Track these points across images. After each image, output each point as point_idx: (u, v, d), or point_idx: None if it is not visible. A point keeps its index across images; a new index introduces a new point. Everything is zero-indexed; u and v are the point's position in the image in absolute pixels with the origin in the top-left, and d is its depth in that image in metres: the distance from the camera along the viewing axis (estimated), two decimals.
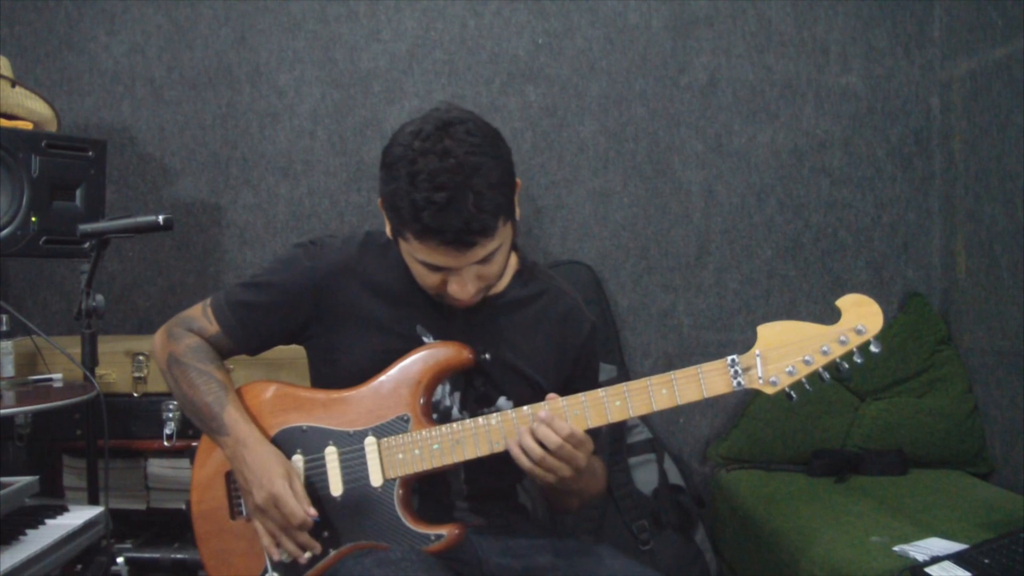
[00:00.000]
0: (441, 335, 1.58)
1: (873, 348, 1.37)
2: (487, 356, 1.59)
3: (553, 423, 1.42)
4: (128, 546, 2.32)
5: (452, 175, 1.37)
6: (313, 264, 1.60)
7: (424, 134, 1.40)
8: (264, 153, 2.96)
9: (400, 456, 1.49)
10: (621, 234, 2.96)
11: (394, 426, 1.51)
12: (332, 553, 1.51)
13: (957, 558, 1.80)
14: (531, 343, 1.63)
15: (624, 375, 2.88)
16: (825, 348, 1.37)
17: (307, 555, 1.49)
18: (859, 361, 1.38)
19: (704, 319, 2.97)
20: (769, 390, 1.39)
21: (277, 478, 1.47)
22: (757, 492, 2.54)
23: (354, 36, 2.95)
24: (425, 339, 1.58)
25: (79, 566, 1.72)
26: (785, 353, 1.38)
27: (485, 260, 1.45)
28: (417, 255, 1.45)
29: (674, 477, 2.76)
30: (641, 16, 2.94)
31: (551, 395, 1.48)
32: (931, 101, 2.93)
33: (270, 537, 1.50)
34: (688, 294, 2.97)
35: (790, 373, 1.38)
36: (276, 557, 1.50)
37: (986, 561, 1.77)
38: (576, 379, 1.67)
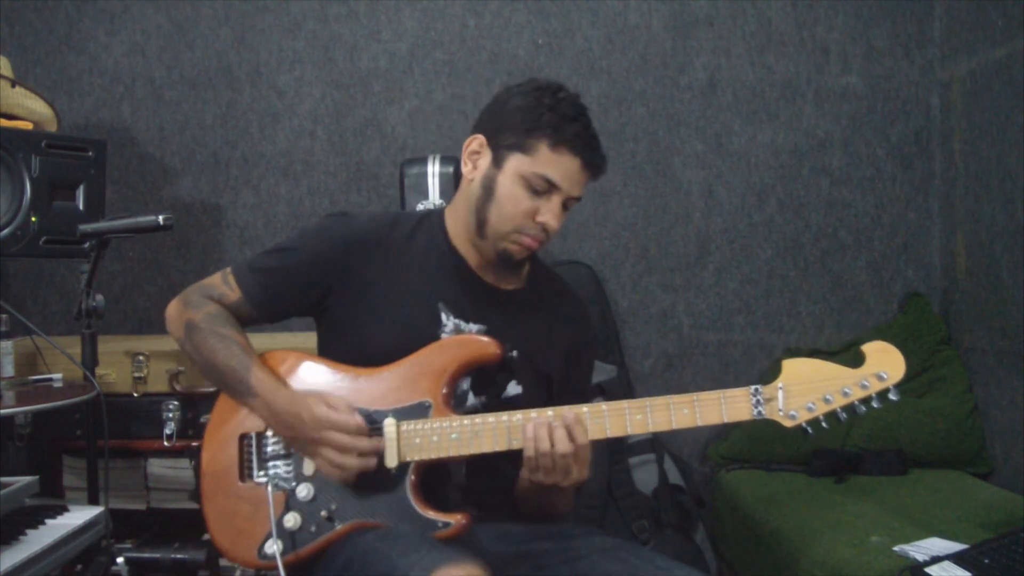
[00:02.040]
0: (461, 315, 1.60)
1: (892, 396, 1.42)
2: (514, 353, 1.61)
3: (574, 430, 1.44)
4: (128, 546, 2.31)
5: (587, 111, 1.56)
6: (345, 232, 1.61)
7: (553, 82, 1.58)
8: (264, 153, 2.96)
9: (417, 441, 1.50)
10: (621, 234, 2.96)
11: (415, 411, 1.52)
12: (338, 527, 1.50)
13: (957, 558, 1.80)
14: (545, 338, 1.66)
15: (624, 375, 2.88)
16: (846, 390, 1.42)
17: (373, 462, 1.49)
18: (877, 405, 1.43)
19: (704, 319, 2.97)
20: (787, 423, 1.44)
21: (313, 405, 1.48)
22: (757, 492, 2.54)
23: (354, 36, 2.95)
24: (443, 316, 1.60)
25: (79, 566, 1.72)
26: (807, 390, 1.43)
27: (570, 204, 1.58)
28: (537, 168, 1.52)
29: (674, 477, 2.76)
30: (641, 16, 2.95)
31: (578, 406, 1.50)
32: (931, 101, 2.93)
33: (333, 465, 1.49)
34: (688, 294, 2.97)
35: (809, 409, 1.43)
36: (347, 478, 1.49)
37: (986, 561, 1.77)
38: (574, 379, 1.71)
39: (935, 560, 1.81)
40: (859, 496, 2.40)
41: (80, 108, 2.93)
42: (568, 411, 1.47)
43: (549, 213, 1.54)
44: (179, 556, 2.28)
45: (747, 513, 2.49)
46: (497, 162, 1.56)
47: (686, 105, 2.95)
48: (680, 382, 2.95)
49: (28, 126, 2.40)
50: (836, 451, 2.67)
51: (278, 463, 1.56)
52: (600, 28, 2.94)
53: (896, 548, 1.93)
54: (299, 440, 1.52)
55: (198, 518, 2.20)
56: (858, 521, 2.16)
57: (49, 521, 1.63)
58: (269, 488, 1.54)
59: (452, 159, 2.61)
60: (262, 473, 1.57)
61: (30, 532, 1.56)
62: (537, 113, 1.52)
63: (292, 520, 1.52)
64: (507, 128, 1.55)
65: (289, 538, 1.52)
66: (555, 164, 1.52)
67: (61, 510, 1.70)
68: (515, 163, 1.54)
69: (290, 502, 1.53)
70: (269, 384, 1.54)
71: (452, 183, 2.57)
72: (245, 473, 1.58)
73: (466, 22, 2.95)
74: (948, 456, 2.67)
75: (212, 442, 1.60)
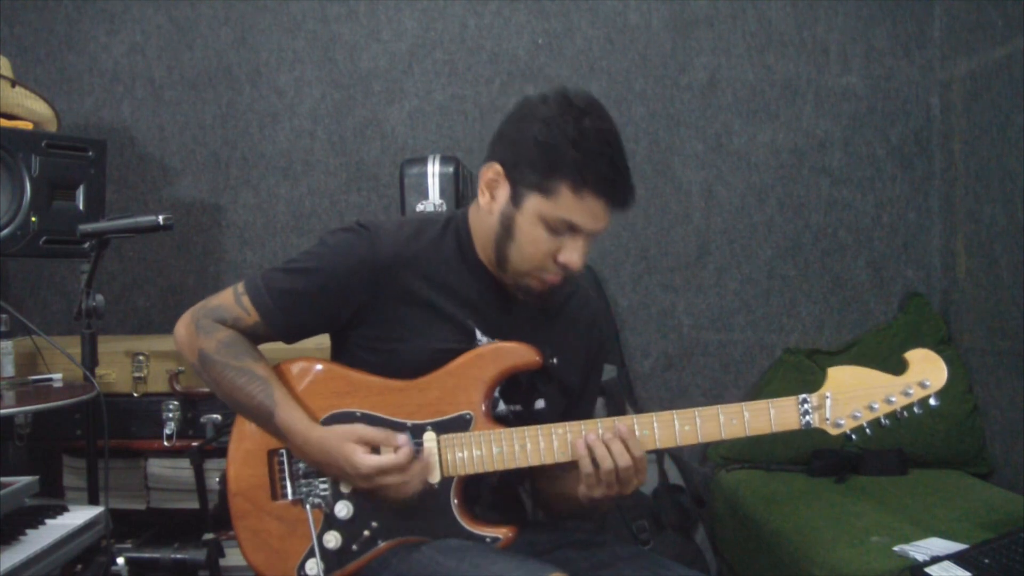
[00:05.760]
0: (492, 332, 1.55)
1: (932, 402, 1.46)
2: (554, 360, 1.56)
3: (629, 441, 1.42)
4: (128, 546, 2.32)
5: (615, 137, 1.45)
6: (371, 251, 1.50)
7: (581, 98, 1.45)
8: (264, 153, 2.96)
9: (460, 455, 1.46)
10: (621, 234, 2.96)
11: (455, 423, 1.48)
12: (381, 544, 1.48)
13: (957, 558, 1.80)
14: (571, 350, 1.62)
15: (624, 375, 2.88)
16: (891, 397, 1.44)
17: (433, 479, 1.46)
18: (918, 411, 1.45)
19: (704, 319, 2.97)
20: (833, 431, 1.44)
21: (350, 453, 1.42)
22: (757, 492, 2.54)
23: (354, 36, 2.95)
24: (478, 333, 1.54)
25: (79, 566, 1.72)
26: (853, 397, 1.44)
27: (596, 236, 1.48)
28: (559, 213, 1.42)
29: (674, 477, 2.76)
30: (641, 16, 2.95)
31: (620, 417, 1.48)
32: (931, 101, 2.93)
33: (389, 502, 1.45)
34: (688, 294, 2.97)
35: (855, 417, 1.44)
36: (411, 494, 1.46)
37: (986, 561, 1.77)
38: (589, 388, 1.68)
39: (935, 560, 1.81)
40: (859, 496, 2.40)
41: (80, 108, 2.93)
42: (621, 424, 1.43)
43: (571, 253, 1.45)
44: (179, 556, 2.28)
45: (747, 513, 2.49)
46: (515, 200, 1.45)
47: (686, 105, 2.95)
48: (680, 382, 2.95)
49: (28, 126, 2.40)
50: (836, 451, 2.67)
51: (312, 480, 1.51)
52: (600, 28, 2.94)
53: (896, 548, 1.93)
54: (344, 482, 1.48)
55: (198, 518, 2.21)
56: (858, 521, 2.16)
57: (49, 521, 1.63)
58: (308, 508, 1.49)
59: (452, 159, 2.61)
60: (297, 492, 1.51)
61: (30, 532, 1.56)
62: (559, 152, 1.40)
63: (333, 540, 1.48)
64: (526, 163, 1.44)
65: (331, 558, 1.48)
66: (578, 208, 1.42)
67: (61, 510, 1.69)
68: (535, 204, 1.43)
69: (329, 521, 1.49)
70: (299, 425, 1.46)
71: (452, 183, 2.56)
72: (278, 491, 1.52)
73: (466, 22, 2.95)
74: (948, 456, 2.67)
75: (236, 457, 1.54)
